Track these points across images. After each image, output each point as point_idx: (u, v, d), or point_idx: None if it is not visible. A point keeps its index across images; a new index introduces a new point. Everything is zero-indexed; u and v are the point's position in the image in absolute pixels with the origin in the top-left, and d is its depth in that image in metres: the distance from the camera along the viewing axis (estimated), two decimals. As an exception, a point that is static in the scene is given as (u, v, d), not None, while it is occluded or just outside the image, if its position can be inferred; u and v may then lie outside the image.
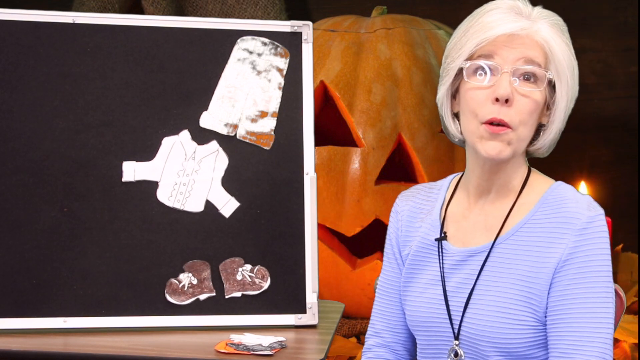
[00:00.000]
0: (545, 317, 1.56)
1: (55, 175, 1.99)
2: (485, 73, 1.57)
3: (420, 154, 3.33)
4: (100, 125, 2.01)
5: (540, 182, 1.65)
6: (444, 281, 1.64)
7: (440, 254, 1.66)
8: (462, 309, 1.60)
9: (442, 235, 1.67)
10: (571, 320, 1.52)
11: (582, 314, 1.52)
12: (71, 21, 2.02)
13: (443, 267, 1.65)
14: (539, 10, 1.61)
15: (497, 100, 1.55)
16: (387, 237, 1.78)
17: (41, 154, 1.99)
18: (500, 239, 1.61)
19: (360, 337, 3.40)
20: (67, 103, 2.01)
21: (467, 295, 1.60)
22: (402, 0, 4.09)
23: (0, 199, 1.97)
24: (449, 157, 3.37)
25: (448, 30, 3.62)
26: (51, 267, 1.97)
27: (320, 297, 2.08)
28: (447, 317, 1.62)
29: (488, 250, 1.61)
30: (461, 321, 1.60)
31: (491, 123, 1.55)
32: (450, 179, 1.75)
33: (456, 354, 1.61)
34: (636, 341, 3.03)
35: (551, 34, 1.58)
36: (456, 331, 1.61)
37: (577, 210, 1.57)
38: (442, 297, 1.63)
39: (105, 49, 2.03)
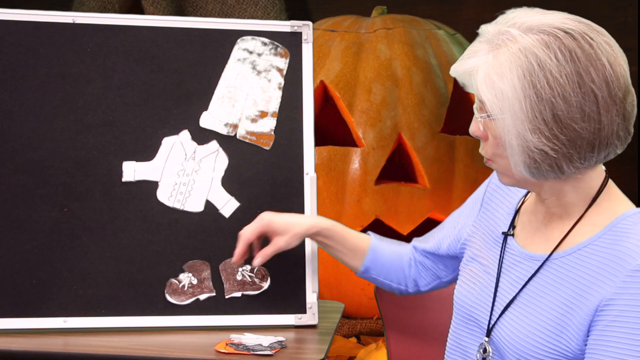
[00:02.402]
0: (572, 354, 1.49)
1: (55, 175, 1.99)
2: None
3: (420, 154, 3.34)
4: (100, 125, 2.01)
5: (615, 204, 1.55)
6: (499, 276, 1.62)
7: (503, 248, 1.64)
8: (500, 310, 1.58)
9: (510, 230, 1.65)
10: None
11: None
12: (71, 21, 2.02)
13: (502, 262, 1.63)
14: (504, 32, 1.48)
15: None
16: (481, 188, 1.79)
17: (41, 154, 1.99)
18: (557, 254, 1.55)
19: (360, 337, 3.40)
20: (67, 103, 2.01)
21: (510, 298, 1.57)
22: (402, 0, 4.09)
23: (0, 199, 1.97)
24: (449, 157, 3.38)
25: (448, 30, 3.62)
26: (51, 267, 1.97)
27: (320, 297, 2.08)
28: (489, 311, 1.61)
29: (542, 261, 1.56)
30: (496, 321, 1.58)
31: None
32: None
33: (485, 350, 1.60)
34: (636, 341, 3.02)
35: (488, 72, 1.48)
36: (490, 328, 1.59)
37: (637, 249, 1.46)
38: (492, 292, 1.62)
39: (105, 49, 2.03)
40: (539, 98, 1.44)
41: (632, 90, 1.50)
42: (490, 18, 1.55)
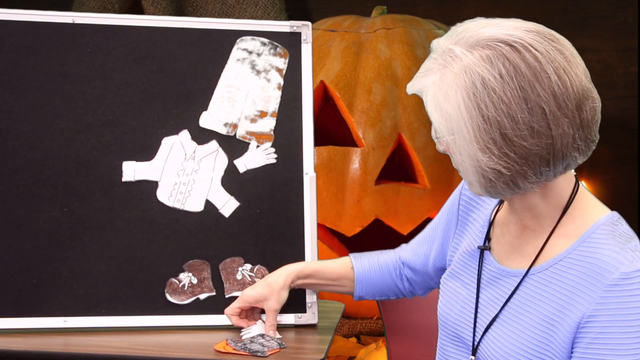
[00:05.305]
0: None
1: (55, 175, 1.99)
2: None
3: (420, 154, 3.34)
4: (100, 125, 2.01)
5: (586, 212, 1.51)
6: (479, 292, 1.60)
7: (481, 264, 1.61)
8: (484, 328, 1.56)
9: (486, 244, 1.63)
10: None
11: None
12: (71, 21, 2.02)
13: (480, 278, 1.61)
14: (449, 50, 1.46)
15: None
16: (453, 200, 1.76)
17: (41, 154, 1.99)
18: (534, 269, 1.52)
19: (360, 337, 3.40)
20: (67, 103, 2.01)
21: (492, 316, 1.55)
22: (402, 0, 4.09)
23: (0, 199, 1.97)
24: (449, 157, 3.37)
25: (448, 30, 3.62)
26: (51, 267, 1.97)
27: (320, 297, 2.08)
28: (472, 329, 1.59)
29: (521, 278, 1.53)
30: (480, 340, 1.56)
31: None
32: None
33: None
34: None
35: (435, 94, 1.46)
36: (475, 346, 1.58)
37: (612, 262, 1.42)
38: (473, 308, 1.60)
39: (105, 49, 2.03)
40: (485, 118, 1.40)
41: (592, 95, 1.44)
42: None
